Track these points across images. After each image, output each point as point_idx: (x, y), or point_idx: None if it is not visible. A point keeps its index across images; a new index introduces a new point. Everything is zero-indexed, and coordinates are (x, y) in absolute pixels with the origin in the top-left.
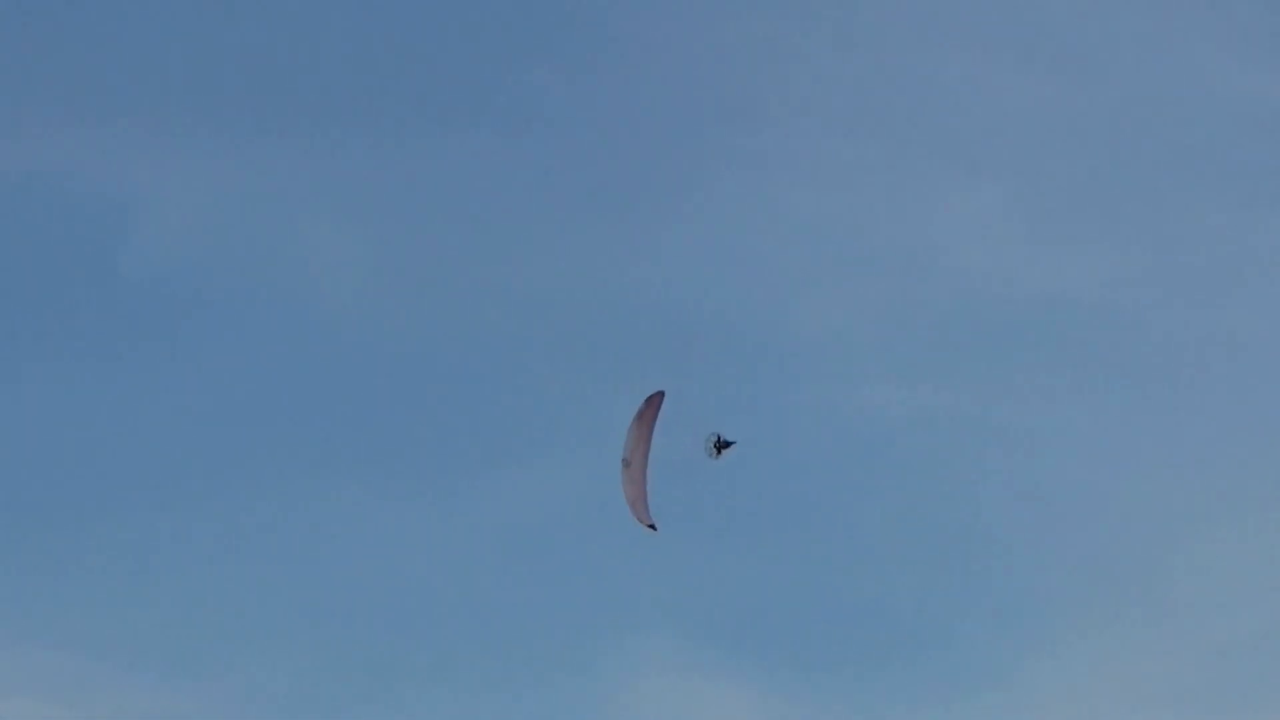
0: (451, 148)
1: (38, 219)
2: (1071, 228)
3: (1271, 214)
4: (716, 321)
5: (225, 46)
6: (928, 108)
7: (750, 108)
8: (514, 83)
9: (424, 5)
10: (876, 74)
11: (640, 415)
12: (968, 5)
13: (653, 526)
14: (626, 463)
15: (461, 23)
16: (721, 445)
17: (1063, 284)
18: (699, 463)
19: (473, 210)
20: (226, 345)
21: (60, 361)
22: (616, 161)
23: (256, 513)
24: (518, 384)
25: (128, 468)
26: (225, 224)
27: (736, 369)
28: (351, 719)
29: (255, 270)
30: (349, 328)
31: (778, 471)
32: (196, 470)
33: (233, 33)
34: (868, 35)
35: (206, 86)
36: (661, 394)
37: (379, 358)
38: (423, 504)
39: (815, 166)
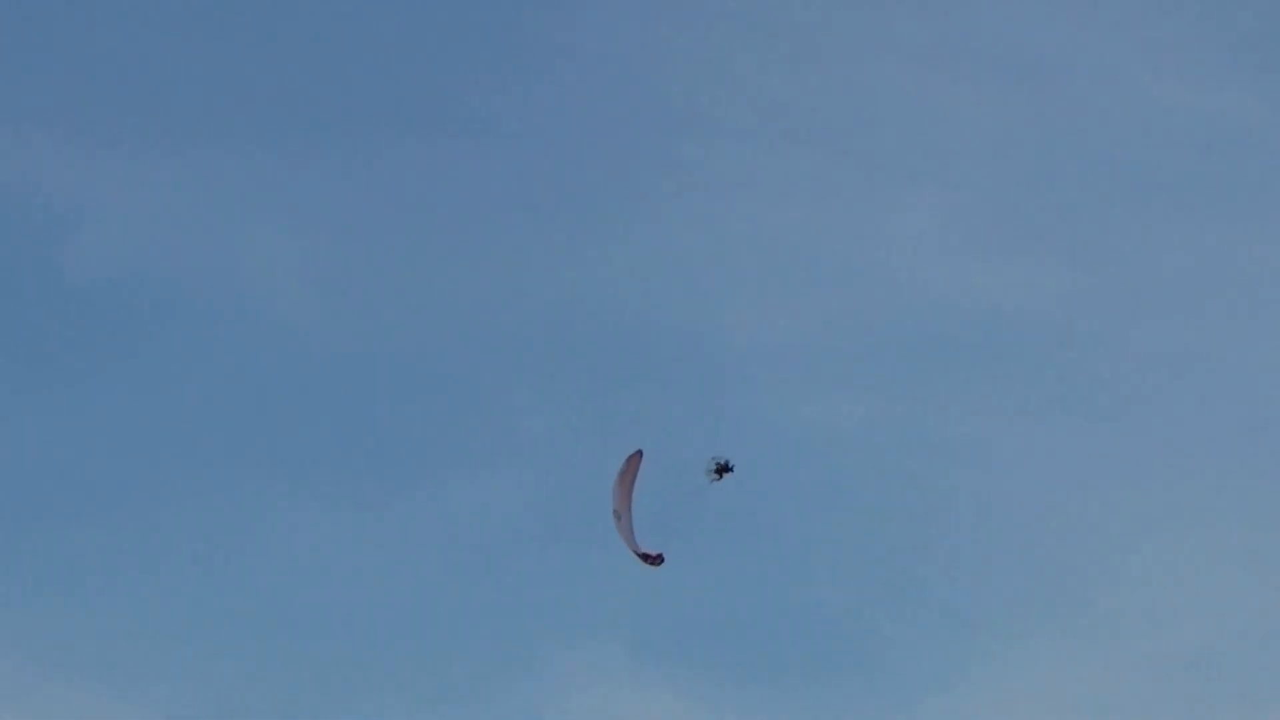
0: (400, 157)
1: None
2: (1016, 242)
3: (1215, 229)
4: (663, 333)
5: (174, 56)
6: (875, 122)
7: (698, 121)
8: (464, 93)
9: (375, 15)
10: (824, 88)
11: (622, 473)
12: (915, 21)
13: (660, 557)
14: (617, 515)
15: (414, 33)
16: (723, 469)
17: (1007, 298)
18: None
19: (419, 220)
20: (172, 352)
21: (1, 365)
22: (565, 173)
23: (199, 521)
24: (463, 395)
25: (71, 474)
26: (172, 231)
27: (682, 380)
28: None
29: (201, 278)
30: (295, 336)
31: (723, 482)
32: (139, 478)
33: (182, 42)
34: (815, 50)
35: (155, 95)
36: (640, 452)
37: (325, 368)
38: (366, 514)
39: (763, 180)
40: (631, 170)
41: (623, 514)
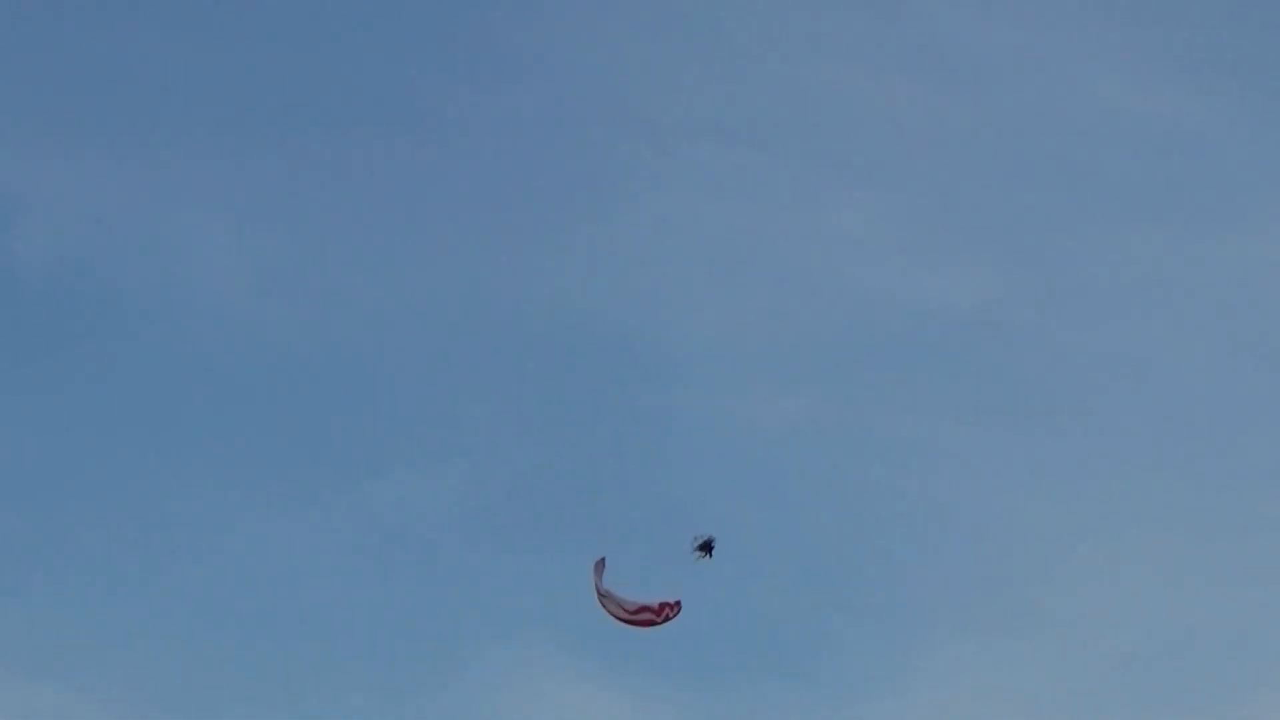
0: (347, 152)
1: None
2: (954, 242)
3: (1152, 232)
4: (605, 331)
5: (123, 46)
6: (814, 122)
7: (641, 122)
8: (415, 91)
9: (328, 9)
10: (764, 89)
11: (595, 575)
12: (855, 23)
13: (678, 605)
14: (604, 595)
15: (366, 29)
16: (706, 547)
17: (945, 298)
18: (577, 473)
19: (365, 215)
20: (113, 341)
21: None
22: (510, 172)
23: (133, 511)
24: (405, 390)
25: (5, 464)
26: (118, 220)
27: (622, 377)
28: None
29: (145, 267)
30: (237, 328)
31: (661, 478)
32: (74, 469)
33: (131, 32)
34: (756, 51)
35: (102, 84)
36: (603, 559)
37: (266, 360)
38: (299, 509)
39: (704, 179)
40: (576, 170)
41: (608, 593)
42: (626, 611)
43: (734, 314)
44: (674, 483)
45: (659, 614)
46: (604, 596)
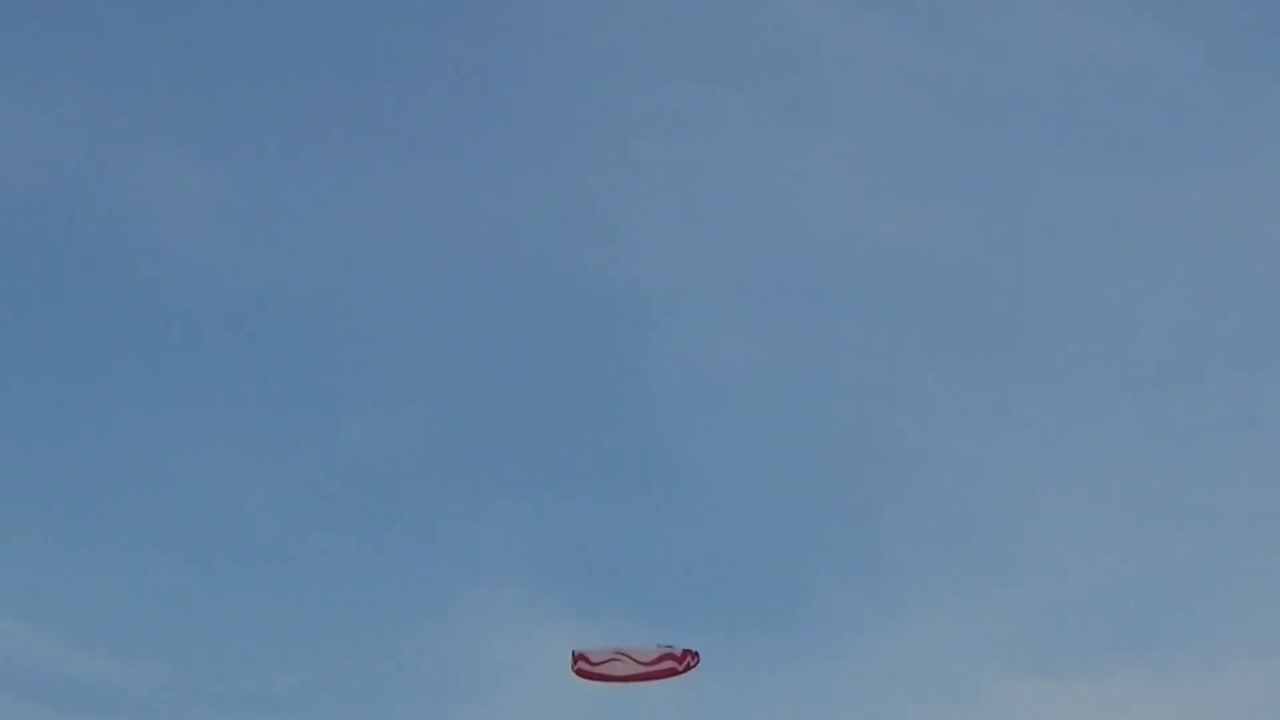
0: (312, 91)
1: None
2: (923, 184)
3: (1124, 175)
4: (571, 273)
5: None
6: (782, 62)
7: (606, 63)
8: (379, 31)
9: None
10: (731, 30)
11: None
12: None
13: (698, 656)
14: (614, 656)
15: None
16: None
17: (917, 240)
18: (554, 413)
19: (330, 155)
20: (74, 275)
21: None
22: (479, 114)
23: (95, 448)
24: (369, 330)
25: None
26: (77, 159)
27: (587, 319)
28: (189, 669)
29: (103, 205)
30: (200, 265)
31: (630, 423)
32: (24, 405)
33: None
34: None
35: (63, 23)
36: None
37: (227, 297)
38: (263, 450)
39: (668, 118)
40: (544, 113)
41: (617, 651)
42: (643, 664)
43: (703, 255)
44: (641, 425)
45: (681, 661)
46: (613, 659)
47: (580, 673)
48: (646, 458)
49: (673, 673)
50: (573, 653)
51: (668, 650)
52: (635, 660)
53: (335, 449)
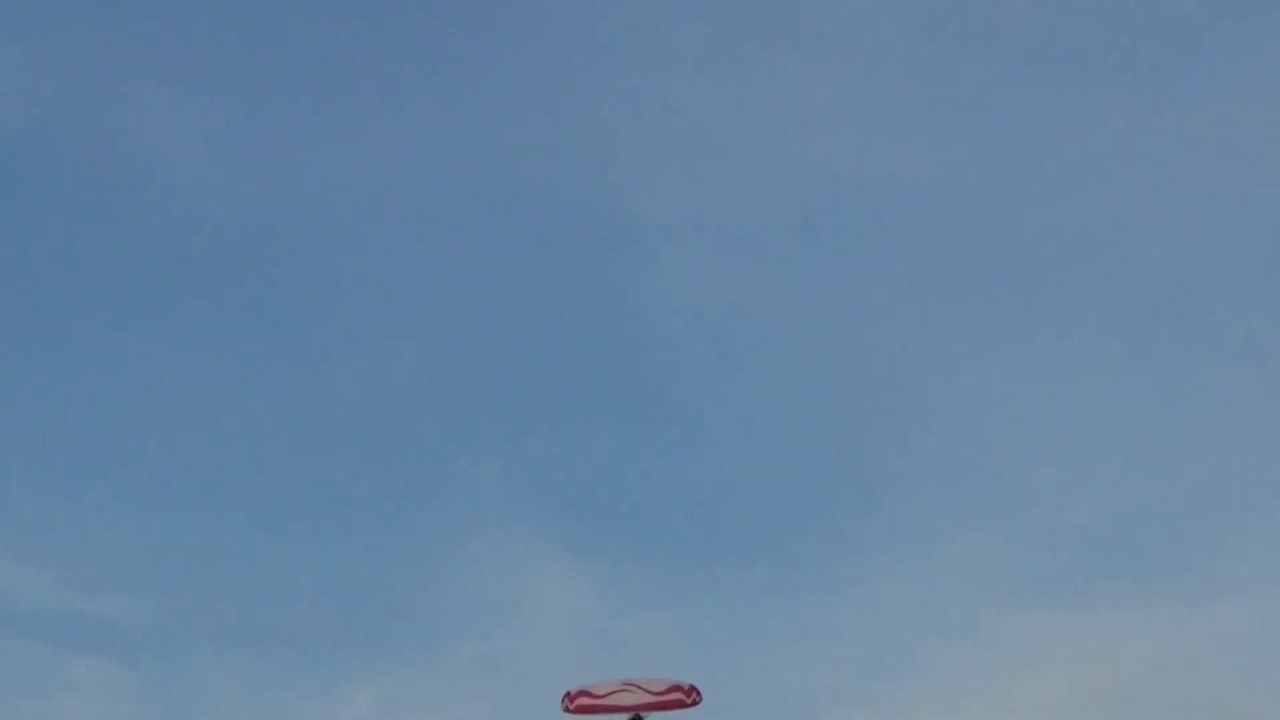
0: (306, 22)
1: None
2: (922, 115)
3: (1122, 104)
4: (570, 206)
5: None
6: None
7: None
8: None
9: None
10: None
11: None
12: None
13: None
14: (622, 688)
15: None
16: None
17: (911, 171)
18: (552, 348)
19: (324, 87)
20: (62, 212)
21: None
22: (477, 45)
23: (88, 386)
24: (360, 263)
25: None
26: (68, 91)
27: (584, 253)
28: (185, 605)
29: (94, 137)
30: (192, 199)
31: (628, 358)
32: (34, 332)
33: None
34: None
35: None
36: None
37: (221, 232)
38: (264, 386)
39: (666, 52)
40: (544, 45)
41: (625, 683)
42: (654, 693)
43: (700, 189)
44: (640, 361)
45: (689, 695)
46: (621, 690)
47: (580, 709)
48: (646, 393)
49: (681, 705)
50: (568, 693)
51: (676, 685)
52: (645, 689)
53: (331, 385)
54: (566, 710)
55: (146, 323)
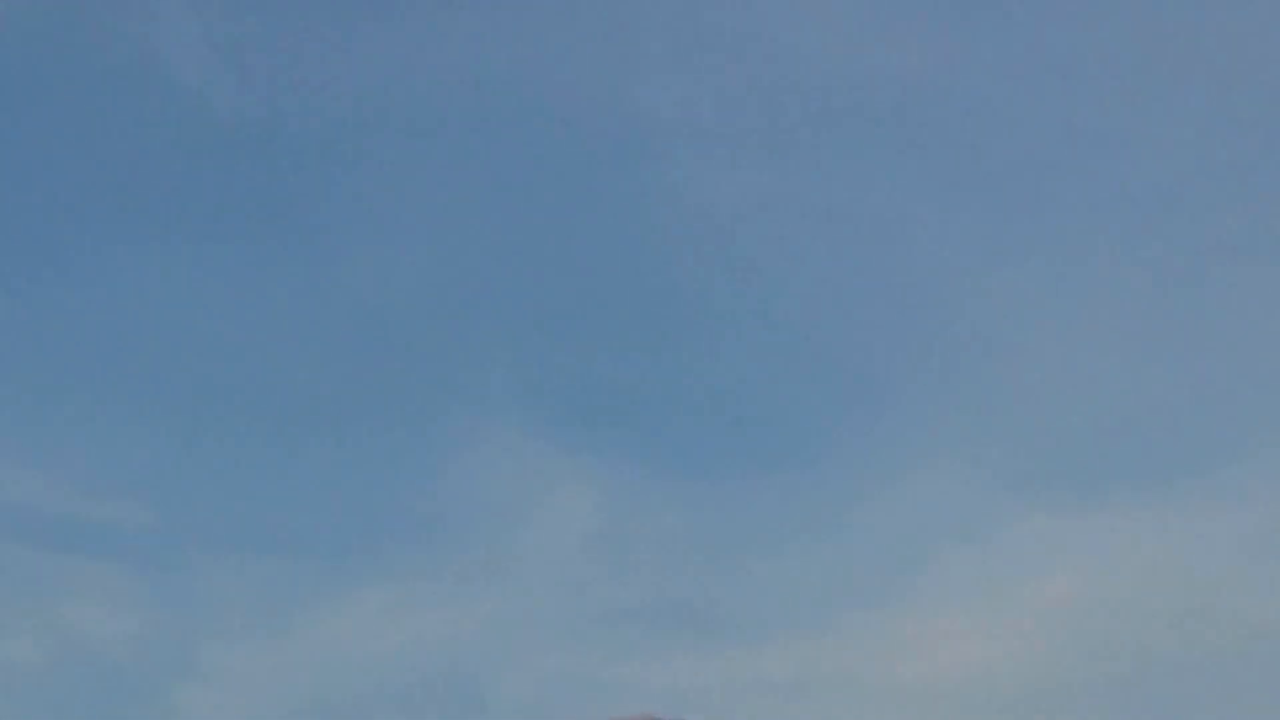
0: None
1: None
2: (929, 9)
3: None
4: (574, 105)
5: None
6: None
7: None
8: None
9: None
10: None
11: None
12: None
13: None
14: None
15: None
16: None
17: (918, 68)
18: (556, 251)
19: None
20: (77, 111)
21: None
22: None
23: (94, 287)
24: (366, 171)
25: None
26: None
27: (593, 153)
28: (186, 511)
29: (99, 33)
30: (193, 108)
31: (633, 260)
32: (29, 239)
33: None
34: None
35: None
36: None
37: (218, 130)
38: (271, 289)
39: None
40: None
41: None
42: None
43: (705, 89)
44: (644, 263)
45: None
46: None
47: None
48: (654, 296)
49: None
50: None
51: None
52: None
53: (336, 288)
54: None
55: (150, 224)
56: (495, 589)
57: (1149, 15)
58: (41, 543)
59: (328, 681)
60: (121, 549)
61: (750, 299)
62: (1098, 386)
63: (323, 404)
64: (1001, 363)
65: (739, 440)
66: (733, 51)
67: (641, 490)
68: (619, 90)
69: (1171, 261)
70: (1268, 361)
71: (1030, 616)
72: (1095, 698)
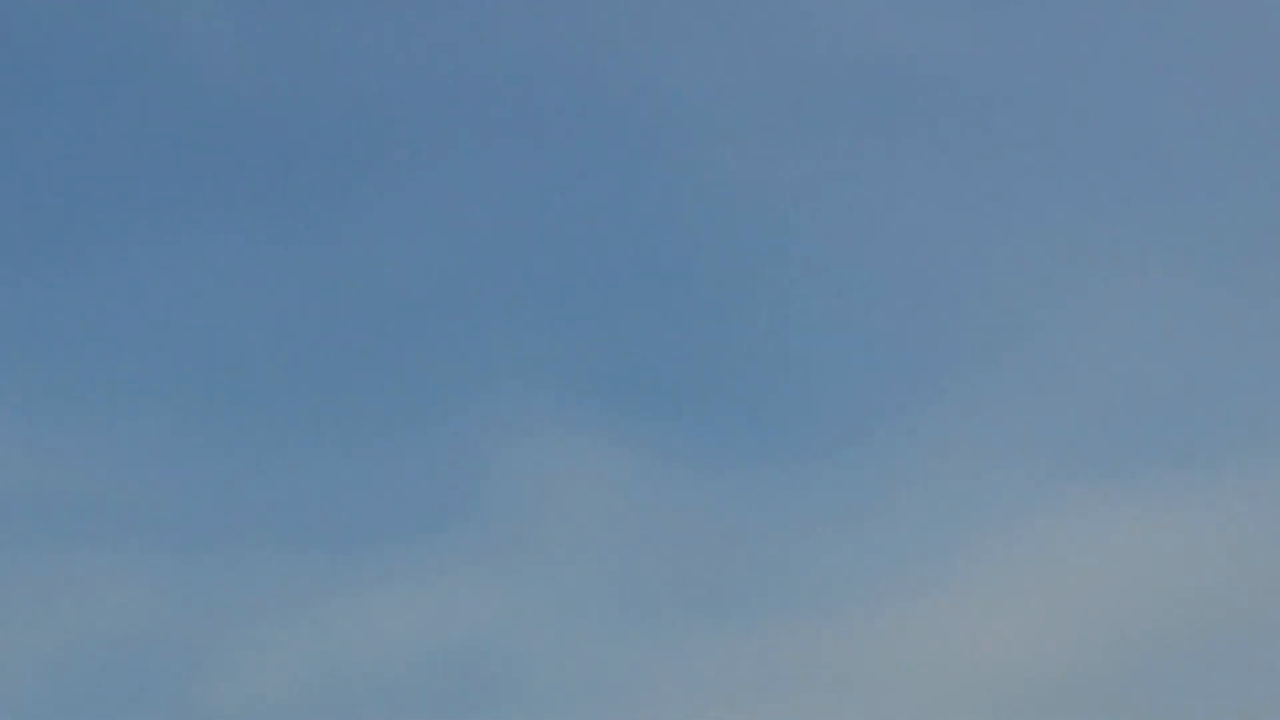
0: None
1: None
2: None
3: None
4: (600, 80)
5: None
6: None
7: None
8: None
9: None
10: None
11: None
12: None
13: None
14: None
15: None
16: None
17: (953, 48)
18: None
19: None
20: (93, 91)
21: None
22: None
23: (111, 269)
24: (383, 139)
25: None
26: None
27: (621, 132)
28: (187, 482)
29: (116, 26)
30: (215, 59)
31: (660, 239)
32: (60, 213)
33: None
34: None
35: None
36: None
37: (232, 94)
38: (291, 264)
39: None
40: None
41: None
42: None
43: (724, 68)
44: (678, 242)
45: None
46: None
47: None
48: (683, 279)
49: None
50: None
51: None
52: None
53: (360, 264)
54: None
55: (166, 209)
56: (525, 572)
57: None
58: (57, 529)
59: (354, 668)
60: (150, 532)
61: (784, 282)
62: (1141, 367)
63: (348, 386)
64: (1042, 343)
65: (773, 422)
66: (752, 34)
67: (676, 472)
68: (639, 69)
69: (1214, 239)
70: None
71: (1072, 598)
72: (1139, 679)
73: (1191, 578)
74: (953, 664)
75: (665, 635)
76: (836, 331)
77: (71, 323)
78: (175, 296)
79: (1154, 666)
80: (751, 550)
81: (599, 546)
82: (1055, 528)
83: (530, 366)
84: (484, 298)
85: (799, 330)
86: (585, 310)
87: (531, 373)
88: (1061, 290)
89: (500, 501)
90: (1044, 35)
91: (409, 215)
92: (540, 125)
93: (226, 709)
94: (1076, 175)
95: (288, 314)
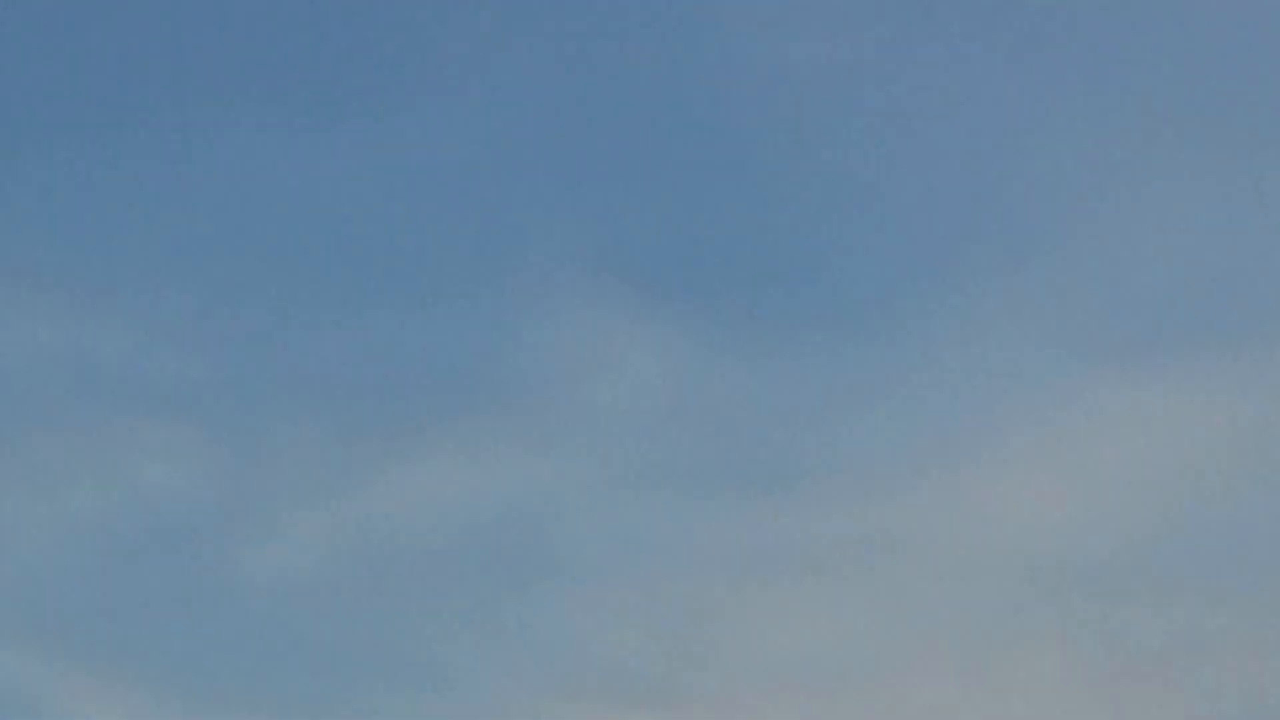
0: None
1: None
2: None
3: None
4: None
5: None
6: None
7: None
8: None
9: None
10: None
11: None
12: None
13: None
14: None
15: None
16: None
17: None
18: (615, 106)
19: None
20: None
21: None
22: None
23: (159, 147)
24: (424, 20)
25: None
26: None
27: (651, 11)
28: (245, 366)
29: None
30: None
31: (694, 115)
32: (85, 94)
33: None
34: None
35: None
36: None
37: None
38: (333, 144)
39: None
40: None
41: None
42: None
43: None
44: (717, 124)
45: None
46: None
47: None
48: (722, 161)
49: None
50: None
51: None
52: None
53: (401, 145)
54: None
55: (211, 81)
56: (564, 446)
57: None
58: (107, 398)
59: (396, 541)
60: (190, 408)
61: (821, 166)
62: (1175, 251)
63: (389, 264)
64: (1078, 233)
65: (811, 305)
66: None
67: (714, 350)
68: None
69: (1253, 123)
70: None
71: (1108, 475)
72: (1172, 556)
73: (1223, 457)
74: (992, 538)
75: (701, 510)
76: (876, 215)
77: (117, 200)
78: (214, 176)
79: (1185, 542)
80: (788, 428)
81: (637, 423)
82: (1091, 407)
83: (572, 245)
84: (525, 177)
85: (839, 214)
86: (629, 191)
87: (573, 251)
88: (1101, 180)
89: (541, 378)
90: None
91: (447, 95)
92: (582, 12)
93: (264, 581)
94: (1117, 58)
95: (322, 195)
